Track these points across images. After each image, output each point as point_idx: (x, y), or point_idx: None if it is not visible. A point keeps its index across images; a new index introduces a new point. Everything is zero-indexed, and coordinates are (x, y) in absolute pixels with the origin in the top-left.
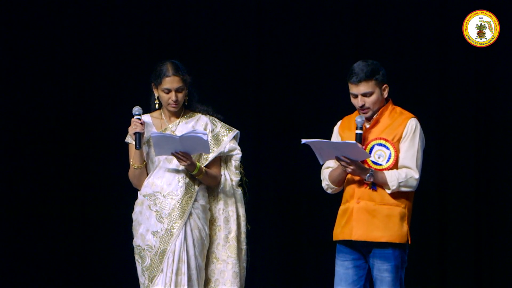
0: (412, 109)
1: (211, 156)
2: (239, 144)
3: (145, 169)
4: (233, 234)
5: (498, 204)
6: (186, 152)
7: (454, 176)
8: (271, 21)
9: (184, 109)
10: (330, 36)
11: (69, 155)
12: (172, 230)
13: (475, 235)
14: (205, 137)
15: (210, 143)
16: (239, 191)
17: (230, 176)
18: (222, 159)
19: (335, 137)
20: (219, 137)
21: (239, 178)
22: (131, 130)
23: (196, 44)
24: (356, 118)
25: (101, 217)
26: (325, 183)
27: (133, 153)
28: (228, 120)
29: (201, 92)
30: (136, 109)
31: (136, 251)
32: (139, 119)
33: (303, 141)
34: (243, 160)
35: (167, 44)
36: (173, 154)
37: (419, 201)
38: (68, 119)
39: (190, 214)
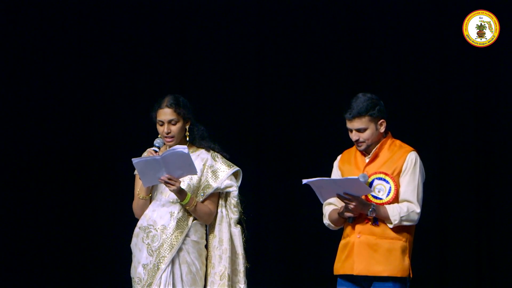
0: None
1: (208, 192)
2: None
3: (149, 200)
4: (225, 273)
5: (500, 237)
6: (172, 176)
7: (455, 207)
8: (271, 59)
9: (188, 144)
10: (328, 68)
11: (71, 188)
12: (159, 264)
13: (476, 268)
14: (185, 151)
15: (208, 178)
16: (237, 229)
17: (228, 213)
18: (222, 197)
19: (335, 172)
20: (218, 173)
21: (237, 216)
22: None
23: (196, 82)
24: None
25: (102, 249)
26: (326, 221)
27: (139, 183)
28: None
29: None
30: (158, 141)
31: (132, 281)
32: (156, 151)
33: (304, 181)
34: (243, 197)
35: (167, 79)
36: (160, 180)
37: (419, 234)
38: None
39: (180, 249)
